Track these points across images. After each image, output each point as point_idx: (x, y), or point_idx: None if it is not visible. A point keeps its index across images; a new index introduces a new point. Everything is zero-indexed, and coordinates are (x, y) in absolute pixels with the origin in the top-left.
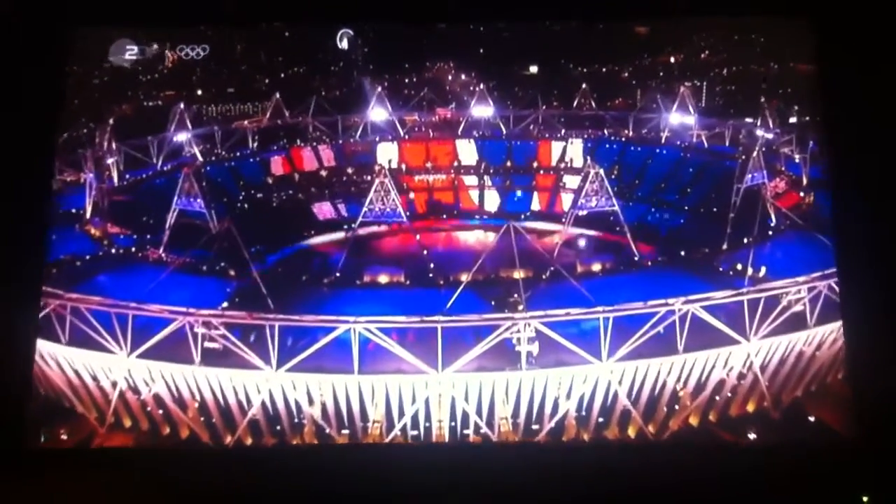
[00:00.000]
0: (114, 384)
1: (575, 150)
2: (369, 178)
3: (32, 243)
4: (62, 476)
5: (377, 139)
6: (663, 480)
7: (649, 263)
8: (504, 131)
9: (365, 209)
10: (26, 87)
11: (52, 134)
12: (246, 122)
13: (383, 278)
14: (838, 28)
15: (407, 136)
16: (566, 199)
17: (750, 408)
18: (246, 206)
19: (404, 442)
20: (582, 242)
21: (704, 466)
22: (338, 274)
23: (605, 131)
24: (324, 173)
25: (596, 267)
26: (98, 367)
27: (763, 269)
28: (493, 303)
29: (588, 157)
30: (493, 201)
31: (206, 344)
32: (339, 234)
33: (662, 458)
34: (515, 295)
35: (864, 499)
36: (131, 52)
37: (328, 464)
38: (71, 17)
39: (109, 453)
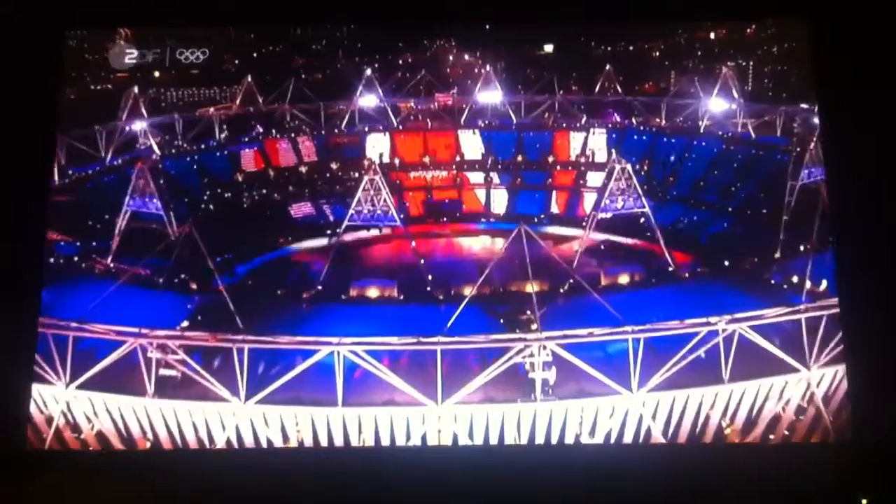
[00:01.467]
0: (49, 420)
1: (598, 141)
2: (357, 174)
3: (30, 242)
4: (60, 477)
5: (366, 129)
6: (659, 480)
7: (687, 275)
8: (514, 120)
9: (351, 211)
10: (23, 88)
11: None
12: (212, 109)
13: (373, 292)
14: (835, 29)
15: (401, 126)
16: (588, 200)
17: None
18: (211, 207)
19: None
20: (606, 250)
21: (701, 466)
22: (319, 287)
23: (633, 120)
24: (303, 169)
25: (623, 279)
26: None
27: (824, 283)
28: (501, 321)
29: (613, 151)
30: (501, 202)
31: (162, 371)
32: (322, 241)
33: (659, 457)
34: (528, 312)
35: (864, 501)
36: (131, 56)
37: (326, 465)
38: (69, 19)
39: (108, 456)
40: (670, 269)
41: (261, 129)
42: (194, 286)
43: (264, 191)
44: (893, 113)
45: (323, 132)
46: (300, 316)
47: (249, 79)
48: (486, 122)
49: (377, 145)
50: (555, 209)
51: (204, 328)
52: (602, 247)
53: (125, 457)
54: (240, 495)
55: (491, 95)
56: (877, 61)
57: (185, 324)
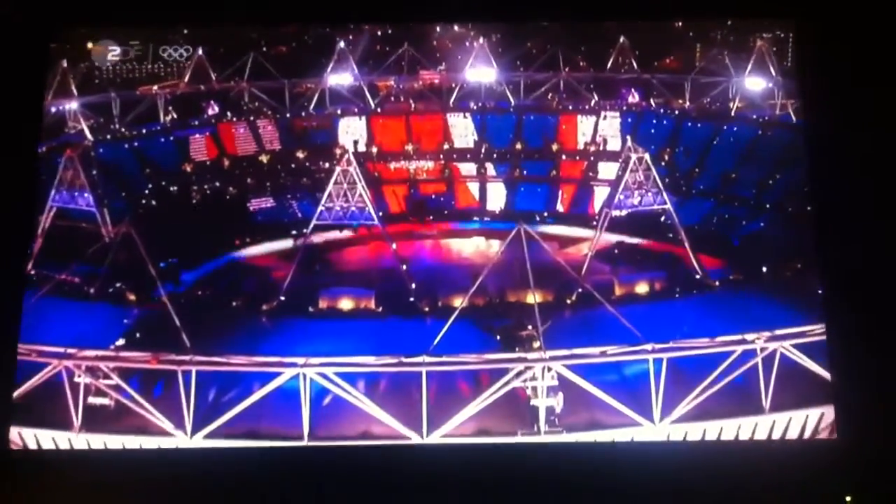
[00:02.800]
0: None
1: (610, 127)
2: (327, 165)
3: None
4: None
5: (339, 112)
6: (640, 478)
7: (717, 284)
8: (512, 102)
9: (321, 207)
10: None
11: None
12: (156, 87)
13: (346, 303)
14: (823, 32)
15: (380, 109)
16: (599, 195)
17: None
18: (154, 202)
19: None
20: (620, 254)
21: (682, 464)
22: (282, 298)
23: (652, 101)
24: (264, 158)
25: (641, 288)
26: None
27: None
28: (498, 338)
29: (628, 137)
30: (497, 197)
31: (92, 399)
32: (286, 242)
33: (639, 455)
34: (529, 327)
35: (848, 498)
36: (114, 53)
37: (323, 464)
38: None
39: (93, 454)
40: (697, 276)
41: (214, 111)
42: (132, 297)
43: (217, 183)
44: (883, 115)
45: (287, 115)
46: (259, 332)
47: (201, 52)
48: (480, 103)
49: (351, 130)
50: (560, 206)
51: (143, 347)
52: (616, 250)
53: (109, 456)
54: (238, 495)
55: (485, 73)
56: (865, 64)
57: (120, 342)
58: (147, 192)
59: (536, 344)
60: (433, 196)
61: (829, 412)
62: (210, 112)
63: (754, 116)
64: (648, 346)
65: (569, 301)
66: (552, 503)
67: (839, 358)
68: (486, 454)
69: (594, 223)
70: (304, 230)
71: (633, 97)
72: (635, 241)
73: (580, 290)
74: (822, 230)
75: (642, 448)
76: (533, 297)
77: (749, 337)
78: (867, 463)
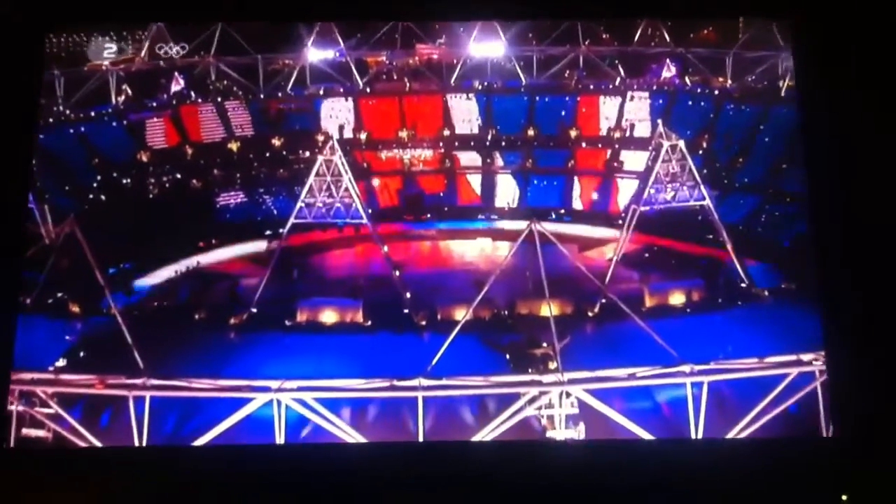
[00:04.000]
0: None
1: (638, 109)
2: (308, 153)
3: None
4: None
5: (321, 92)
6: (633, 475)
7: (766, 293)
8: (524, 81)
9: (300, 203)
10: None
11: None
12: (107, 63)
13: (329, 316)
14: (822, 31)
15: (369, 89)
16: (625, 189)
17: None
18: (103, 197)
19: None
20: (651, 258)
21: (676, 462)
22: (253, 310)
23: (687, 80)
24: (234, 146)
25: (677, 298)
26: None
27: None
28: (507, 357)
29: (660, 122)
30: (506, 192)
31: (26, 431)
32: (258, 245)
33: (632, 453)
34: (544, 344)
35: (844, 497)
36: (109, 51)
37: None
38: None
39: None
40: (742, 284)
41: (179, 85)
42: (76, 308)
43: (178, 175)
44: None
45: (261, 95)
46: (226, 350)
47: (160, 23)
48: (486, 82)
49: (336, 114)
50: (579, 202)
51: (88, 369)
52: (646, 254)
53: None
54: (235, 493)
55: (492, 47)
56: (861, 64)
57: (60, 363)
58: (95, 185)
59: (553, 364)
60: (424, 190)
61: None
62: (175, 87)
63: None
64: (686, 368)
65: (591, 314)
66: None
67: (835, 356)
68: (484, 453)
69: (619, 222)
70: (281, 230)
71: (669, 70)
72: (668, 242)
73: (604, 300)
74: (816, 226)
75: (638, 447)
76: (548, 309)
77: (806, 357)
78: (863, 462)
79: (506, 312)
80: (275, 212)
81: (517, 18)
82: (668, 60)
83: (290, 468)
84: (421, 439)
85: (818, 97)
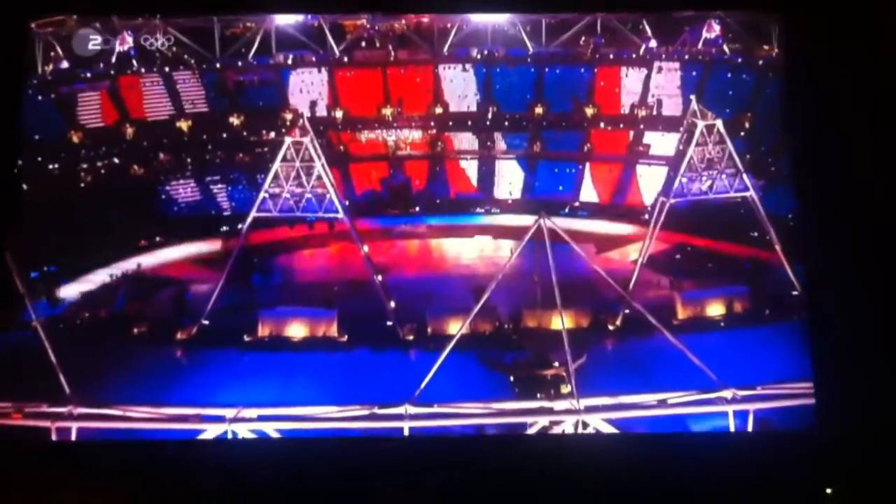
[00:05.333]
0: None
1: (668, 82)
2: (273, 134)
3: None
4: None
5: (289, 62)
6: (618, 470)
7: None
8: (531, 49)
9: (263, 194)
10: None
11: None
12: (33, 25)
13: (297, 329)
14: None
15: (346, 58)
16: (650, 178)
17: None
18: (25, 185)
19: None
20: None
21: (660, 456)
22: (205, 322)
23: (725, 48)
24: (184, 125)
25: (715, 309)
26: None
27: None
28: (512, 379)
29: (692, 98)
30: (509, 181)
31: None
32: (212, 244)
33: (617, 448)
34: (556, 364)
35: (828, 490)
36: (94, 43)
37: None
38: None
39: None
40: (794, 292)
41: (125, 46)
42: None
43: (116, 160)
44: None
45: (217, 65)
46: (171, 371)
47: None
48: (485, 52)
49: (307, 87)
50: (595, 193)
51: (3, 394)
52: (678, 255)
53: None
54: (232, 491)
55: (492, 9)
56: (849, 63)
57: None
58: (15, 171)
59: (566, 388)
60: (410, 178)
61: None
62: (119, 47)
63: None
64: (727, 394)
65: (611, 327)
66: (537, 496)
67: (819, 351)
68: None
69: (645, 217)
70: (239, 226)
71: (714, 30)
72: (704, 242)
73: (627, 310)
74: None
75: (626, 440)
76: (560, 322)
77: None
78: (847, 455)
79: (509, 325)
80: (232, 204)
81: (523, 11)
82: (711, 20)
83: (280, 461)
84: None
85: (806, 94)
